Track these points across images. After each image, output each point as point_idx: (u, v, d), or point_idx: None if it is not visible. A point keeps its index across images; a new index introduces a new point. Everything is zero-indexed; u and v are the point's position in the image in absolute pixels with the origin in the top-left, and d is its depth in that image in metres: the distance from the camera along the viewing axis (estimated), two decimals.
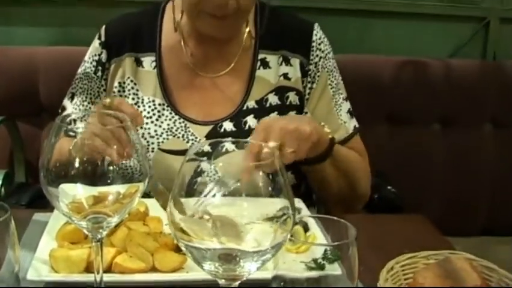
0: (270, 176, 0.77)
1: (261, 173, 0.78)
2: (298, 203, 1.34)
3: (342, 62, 1.69)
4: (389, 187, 1.84)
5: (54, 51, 2.15)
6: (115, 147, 0.88)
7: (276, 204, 0.76)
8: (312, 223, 1.08)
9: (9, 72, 2.08)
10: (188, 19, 1.50)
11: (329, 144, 1.38)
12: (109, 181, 0.86)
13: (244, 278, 0.75)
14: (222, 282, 0.74)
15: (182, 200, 0.76)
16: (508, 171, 2.29)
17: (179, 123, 1.49)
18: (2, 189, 1.76)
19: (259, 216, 0.77)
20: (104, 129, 0.93)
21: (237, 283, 0.75)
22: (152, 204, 1.16)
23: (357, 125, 1.61)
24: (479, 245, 2.20)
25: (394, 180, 1.86)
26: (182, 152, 1.43)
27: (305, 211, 1.30)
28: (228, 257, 0.73)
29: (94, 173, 0.86)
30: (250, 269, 0.73)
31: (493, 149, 2.31)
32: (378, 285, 0.92)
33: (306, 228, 1.09)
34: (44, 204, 1.15)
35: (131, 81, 1.53)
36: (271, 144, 1.22)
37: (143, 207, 1.18)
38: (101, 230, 0.85)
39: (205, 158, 0.78)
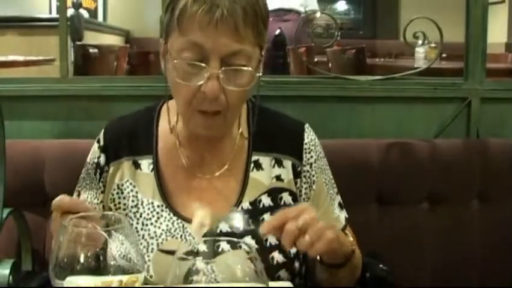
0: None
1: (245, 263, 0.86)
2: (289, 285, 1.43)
3: (331, 147, 1.78)
4: (380, 265, 1.89)
5: (59, 144, 2.25)
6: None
7: None
8: None
9: (17, 165, 2.15)
10: (182, 120, 1.57)
11: (350, 254, 1.46)
12: (111, 273, 0.95)
13: None
14: None
15: None
16: (497, 246, 2.35)
17: (177, 224, 1.56)
18: (10, 278, 1.83)
19: None
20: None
21: None
22: None
23: (347, 216, 1.71)
24: None
25: (385, 259, 1.91)
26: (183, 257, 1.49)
27: None
28: None
29: (97, 267, 0.95)
30: None
31: (481, 224, 2.36)
32: None
33: None
34: None
35: (130, 183, 1.61)
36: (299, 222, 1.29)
37: None
38: None
39: (200, 258, 0.85)
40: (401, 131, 2.48)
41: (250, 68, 1.47)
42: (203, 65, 1.43)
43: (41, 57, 4.82)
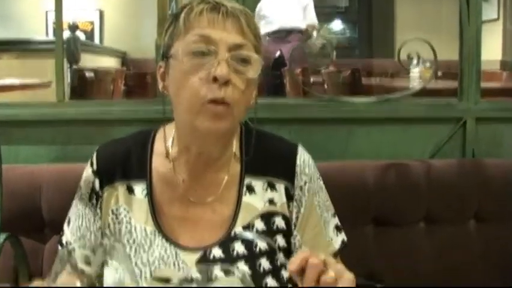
0: None
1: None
2: None
3: (327, 169, 1.78)
4: (377, 285, 1.89)
5: (55, 168, 2.25)
6: None
7: None
8: None
9: (13, 190, 2.15)
10: (189, 117, 1.51)
11: None
12: None
13: None
14: None
15: None
16: (494, 266, 2.35)
17: (170, 251, 1.55)
18: None
19: None
20: None
21: None
22: None
23: (345, 239, 1.69)
24: None
25: (383, 279, 1.92)
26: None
27: None
28: None
29: None
30: None
31: (477, 243, 2.37)
32: None
33: None
34: None
35: (124, 209, 1.60)
36: (322, 257, 1.29)
37: None
38: None
39: (194, 285, 0.86)
40: (397, 152, 2.49)
41: (253, 64, 1.51)
42: (212, 48, 1.46)
43: (37, 80, 4.82)
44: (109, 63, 8.78)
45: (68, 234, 1.63)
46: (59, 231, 1.67)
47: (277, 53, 6.32)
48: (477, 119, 2.54)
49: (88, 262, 1.04)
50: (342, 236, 1.68)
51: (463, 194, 2.38)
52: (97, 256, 1.07)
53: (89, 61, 7.31)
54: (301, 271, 1.34)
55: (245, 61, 1.50)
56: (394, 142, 2.52)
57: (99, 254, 1.09)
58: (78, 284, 0.99)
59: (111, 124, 2.31)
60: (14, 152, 2.39)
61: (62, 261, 0.99)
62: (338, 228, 1.68)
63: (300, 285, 1.37)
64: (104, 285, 1.02)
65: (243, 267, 1.50)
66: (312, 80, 5.93)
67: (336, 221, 1.69)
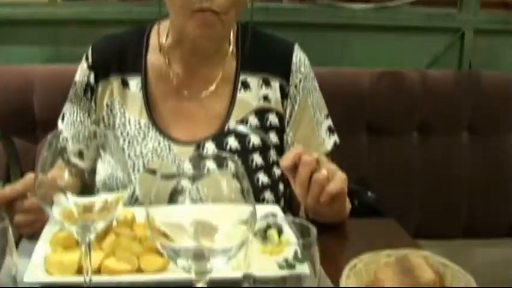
0: (239, 184, 0.85)
1: (231, 181, 0.86)
2: (275, 208, 1.43)
3: (323, 75, 1.77)
4: (369, 193, 1.90)
5: (48, 68, 2.23)
6: None
7: (245, 211, 0.85)
8: (285, 227, 1.16)
9: (6, 90, 2.16)
10: (178, 30, 1.55)
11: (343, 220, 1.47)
12: (96, 192, 0.95)
13: (214, 273, 0.84)
14: (193, 276, 0.83)
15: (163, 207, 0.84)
16: (485, 177, 2.37)
17: (164, 143, 1.56)
18: None
19: (232, 221, 0.85)
20: None
21: (207, 277, 0.84)
22: (139, 213, 1.25)
23: (337, 141, 1.70)
24: (459, 248, 2.27)
25: (374, 187, 1.92)
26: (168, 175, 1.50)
27: (280, 216, 1.37)
28: (200, 255, 0.82)
29: (83, 186, 0.96)
30: (219, 265, 0.82)
31: (469, 155, 2.38)
32: (340, 282, 1.01)
33: (280, 232, 1.17)
34: None
35: (119, 102, 1.61)
36: (315, 155, 1.35)
37: (131, 215, 1.27)
38: (89, 234, 0.95)
39: (186, 178, 0.85)
40: (393, 60, 2.46)
41: None
42: None
43: None
44: None
45: (63, 129, 1.63)
46: (52, 131, 1.66)
47: None
48: (475, 30, 2.51)
49: (81, 156, 1.03)
50: (335, 138, 1.69)
51: (458, 105, 2.38)
52: (90, 150, 1.06)
53: None
54: (294, 168, 1.35)
55: None
56: (391, 50, 2.49)
57: (92, 148, 1.08)
58: (66, 176, 0.98)
59: (104, 25, 2.27)
60: (6, 52, 2.35)
61: (50, 147, 0.98)
62: (330, 130, 1.68)
63: (292, 182, 1.38)
64: (97, 179, 1.02)
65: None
66: None
67: (329, 122, 1.69)
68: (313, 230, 0.95)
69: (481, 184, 2.39)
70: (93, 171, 0.98)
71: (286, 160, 1.34)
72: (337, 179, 1.35)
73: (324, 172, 1.34)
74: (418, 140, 2.37)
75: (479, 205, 2.39)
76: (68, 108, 1.65)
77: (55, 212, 0.94)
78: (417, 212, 2.33)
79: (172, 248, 0.82)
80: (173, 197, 0.84)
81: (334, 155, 1.65)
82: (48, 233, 1.22)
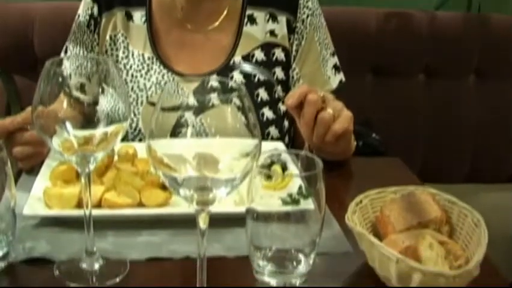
0: (244, 116, 0.82)
1: (236, 114, 0.83)
2: (281, 145, 1.42)
3: (329, 14, 1.73)
4: (373, 135, 1.88)
5: (49, 5, 2.19)
6: None
7: (250, 143, 0.82)
8: (290, 163, 1.15)
9: (6, 27, 2.12)
10: None
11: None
12: (97, 126, 0.93)
13: (217, 207, 0.82)
14: (195, 207, 0.81)
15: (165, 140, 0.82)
16: (490, 122, 2.35)
17: (168, 77, 1.54)
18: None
19: (236, 153, 0.83)
20: None
21: (209, 208, 0.81)
22: (141, 148, 1.24)
23: (343, 79, 1.67)
24: (462, 192, 2.23)
25: (379, 129, 1.91)
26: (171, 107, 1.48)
27: (285, 153, 1.36)
28: (203, 184, 0.80)
29: (84, 120, 0.93)
30: (221, 195, 0.80)
31: (476, 99, 2.35)
32: (346, 218, 0.99)
33: (284, 168, 1.16)
34: None
35: (122, 34, 1.58)
36: (321, 93, 1.32)
37: (132, 149, 1.25)
38: (88, 164, 0.93)
39: (190, 111, 0.83)
40: (402, 1, 2.39)
41: None
42: None
43: None
44: None
45: (64, 58, 1.60)
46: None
47: None
48: None
49: (82, 90, 1.01)
50: (340, 76, 1.66)
51: (465, 48, 2.34)
52: (92, 83, 1.04)
53: None
54: (299, 107, 1.32)
55: None
56: None
57: (94, 81, 1.06)
58: (67, 109, 0.96)
59: None
60: None
61: (49, 77, 0.95)
62: (336, 68, 1.66)
63: (297, 121, 1.36)
64: (98, 112, 1.00)
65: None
66: None
67: (335, 60, 1.66)
68: (319, 163, 0.93)
69: (486, 129, 2.37)
70: (94, 104, 0.95)
71: (292, 99, 1.32)
72: (343, 118, 1.32)
73: (329, 111, 1.31)
74: (424, 82, 2.33)
75: (484, 150, 2.37)
76: (71, 42, 1.63)
77: (55, 143, 0.92)
78: (421, 156, 2.32)
79: (174, 178, 0.79)
80: (176, 130, 0.82)
81: (339, 93, 1.62)
82: (48, 167, 1.21)
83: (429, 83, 2.33)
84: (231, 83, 0.92)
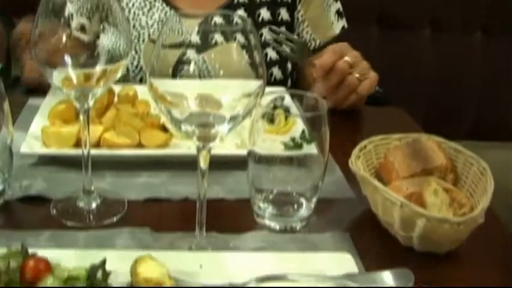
0: (248, 54, 0.80)
1: (240, 52, 0.80)
2: (281, 90, 1.39)
3: None
4: (376, 87, 1.86)
5: None
6: None
7: (253, 85, 0.80)
8: (293, 108, 1.12)
9: None
10: None
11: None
12: (96, 59, 0.90)
13: (218, 149, 0.80)
14: (197, 143, 0.79)
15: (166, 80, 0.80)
16: (495, 79, 2.31)
17: (171, 15, 1.50)
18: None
19: (239, 94, 0.80)
20: None
21: (210, 144, 0.80)
22: (141, 89, 1.21)
23: (346, 25, 1.66)
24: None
25: (382, 81, 1.89)
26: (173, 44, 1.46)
27: (288, 98, 1.34)
28: (205, 120, 0.78)
29: (84, 59, 0.91)
30: (223, 130, 0.78)
31: (481, 57, 2.31)
32: (350, 162, 0.97)
33: (287, 113, 1.13)
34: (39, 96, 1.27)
35: None
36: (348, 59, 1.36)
37: (132, 91, 1.23)
38: (87, 100, 0.91)
39: (193, 48, 0.80)
40: None
41: None
42: None
43: None
44: None
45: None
46: None
47: None
48: None
49: (83, 30, 0.99)
50: (343, 22, 1.65)
51: (473, 4, 2.28)
52: (93, 23, 1.02)
53: None
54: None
55: None
56: None
57: (95, 20, 1.04)
58: (67, 47, 0.94)
59: None
60: None
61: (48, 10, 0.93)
62: (339, 13, 1.65)
63: (319, 82, 1.36)
64: (99, 49, 0.98)
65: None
66: None
67: (338, 5, 1.65)
68: (324, 104, 0.91)
69: (490, 86, 2.33)
70: (95, 43, 0.93)
71: (321, 69, 1.33)
72: (368, 82, 1.39)
73: (356, 75, 1.36)
74: (430, 37, 2.29)
75: (487, 107, 2.34)
76: None
77: (55, 79, 0.90)
78: (424, 110, 2.28)
79: (176, 113, 0.77)
80: (178, 67, 0.79)
81: (342, 39, 1.60)
82: (47, 106, 1.19)
83: (435, 38, 2.28)
84: (236, 18, 0.89)
